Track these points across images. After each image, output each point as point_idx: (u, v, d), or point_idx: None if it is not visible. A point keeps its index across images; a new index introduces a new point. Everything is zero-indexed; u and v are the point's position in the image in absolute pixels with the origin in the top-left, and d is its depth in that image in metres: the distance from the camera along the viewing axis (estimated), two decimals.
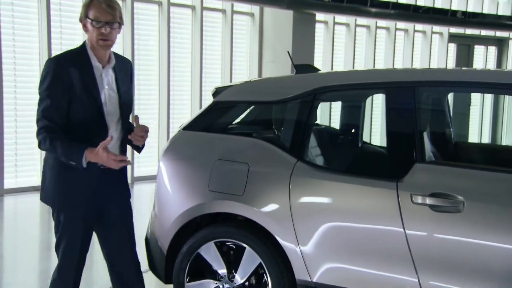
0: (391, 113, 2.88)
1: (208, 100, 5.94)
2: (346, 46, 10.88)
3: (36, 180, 6.90)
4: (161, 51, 8.29)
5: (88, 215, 2.83)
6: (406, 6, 10.70)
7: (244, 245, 3.03)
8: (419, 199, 2.65)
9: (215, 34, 9.06)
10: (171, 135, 4.02)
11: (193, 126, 3.32)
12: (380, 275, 2.75)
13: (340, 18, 10.49)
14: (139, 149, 3.03)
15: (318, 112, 3.29)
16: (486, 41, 13.80)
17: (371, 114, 3.51)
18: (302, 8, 8.91)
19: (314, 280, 2.89)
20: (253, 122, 3.45)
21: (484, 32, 13.25)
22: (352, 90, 3.12)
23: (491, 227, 2.53)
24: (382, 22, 11.23)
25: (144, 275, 4.17)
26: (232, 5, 8.98)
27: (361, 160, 3.39)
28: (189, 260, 3.15)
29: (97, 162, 2.69)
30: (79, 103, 2.68)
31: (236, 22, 9.21)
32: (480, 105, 12.25)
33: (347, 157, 3.39)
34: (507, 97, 11.40)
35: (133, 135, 2.85)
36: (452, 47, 13.05)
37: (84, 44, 2.78)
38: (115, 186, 2.93)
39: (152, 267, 3.40)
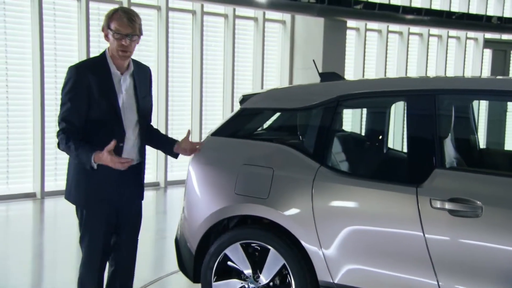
0: (412, 120, 2.95)
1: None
2: (378, 52, 10.88)
3: (28, 187, 7.11)
4: (194, 58, 8.50)
5: (108, 212, 3.01)
6: (439, 12, 10.62)
7: (269, 246, 3.13)
8: (438, 204, 2.71)
9: (247, 42, 9.23)
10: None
11: (220, 132, 3.46)
12: (400, 277, 2.81)
13: (372, 24, 10.50)
14: (176, 155, 3.24)
15: (344, 118, 3.39)
16: None
17: (394, 120, 3.56)
18: (333, 15, 8.99)
19: (336, 281, 2.97)
20: (278, 128, 3.56)
21: None
22: (374, 97, 3.20)
23: (509, 232, 2.57)
24: (415, 28, 11.18)
25: (173, 276, 4.37)
26: (264, 13, 9.13)
27: (382, 165, 3.46)
28: (216, 260, 3.28)
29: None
30: (97, 107, 2.86)
31: (267, 30, 9.37)
32: None
33: (368, 162, 3.47)
34: None
35: (187, 144, 3.11)
36: (488, 53, 12.87)
37: (104, 52, 2.96)
38: (132, 187, 3.12)
39: (182, 267, 3.54)
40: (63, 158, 7.28)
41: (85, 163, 2.82)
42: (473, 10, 12.03)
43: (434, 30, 11.55)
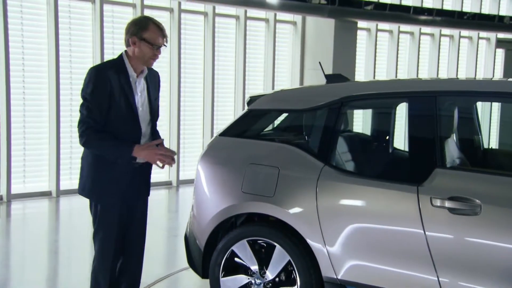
0: (413, 120, 3.04)
1: None
2: (389, 53, 10.92)
3: (44, 186, 7.30)
4: (206, 59, 8.63)
5: (121, 208, 3.15)
6: (451, 13, 10.61)
7: (275, 243, 3.23)
8: (438, 202, 2.79)
9: (259, 43, 9.33)
10: None
11: (228, 132, 3.58)
12: (401, 273, 2.90)
13: (383, 25, 10.53)
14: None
15: (351, 119, 3.48)
16: None
17: (397, 121, 3.65)
18: (343, 16, 9.05)
19: (339, 277, 3.06)
20: (285, 129, 3.66)
21: None
22: (376, 99, 3.28)
23: (507, 229, 2.65)
24: (426, 29, 11.19)
25: (184, 272, 4.49)
26: (275, 15, 9.23)
27: (385, 165, 3.54)
28: (224, 256, 3.39)
29: (135, 160, 3.06)
30: (117, 106, 3.02)
31: (278, 31, 9.46)
32: None
33: (371, 162, 3.55)
34: None
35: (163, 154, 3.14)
36: (500, 52, 12.83)
37: (121, 55, 3.11)
38: (142, 185, 3.27)
39: (191, 263, 3.65)
40: (77, 158, 7.46)
41: (121, 154, 2.99)
42: (485, 10, 12.00)
43: (446, 30, 11.54)
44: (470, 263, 2.73)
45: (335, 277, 3.08)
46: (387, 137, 3.70)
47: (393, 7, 9.63)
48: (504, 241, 2.65)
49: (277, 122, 3.68)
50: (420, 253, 2.84)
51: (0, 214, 6.48)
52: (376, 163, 3.51)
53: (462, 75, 12.08)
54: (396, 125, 3.61)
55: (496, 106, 11.00)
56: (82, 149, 3.15)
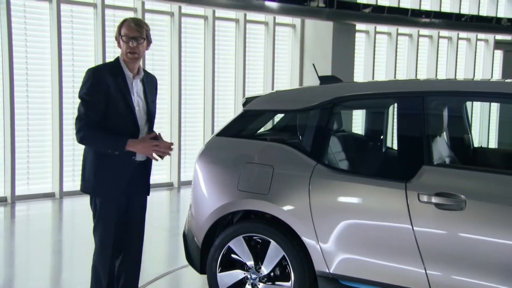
0: (402, 120, 3.15)
1: None
2: (387, 55, 11.03)
3: (48, 187, 7.44)
4: (207, 62, 8.76)
5: (119, 204, 3.27)
6: (449, 15, 10.72)
7: (269, 239, 3.35)
8: (425, 198, 2.90)
9: (258, 46, 9.46)
10: None
11: (225, 132, 3.70)
12: (390, 266, 3.01)
13: (382, 27, 10.65)
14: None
15: (344, 119, 3.60)
16: None
17: (387, 121, 3.77)
18: (342, 19, 9.17)
19: (331, 271, 3.18)
20: (280, 129, 3.78)
21: None
22: (367, 99, 3.40)
23: (490, 223, 2.76)
24: (424, 31, 11.29)
25: (184, 269, 4.60)
26: (274, 18, 9.36)
27: (374, 163, 3.66)
28: (221, 252, 3.50)
29: (134, 158, 3.19)
30: (114, 105, 3.15)
31: (278, 34, 9.59)
32: None
33: (362, 160, 3.66)
34: None
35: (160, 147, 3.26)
36: (499, 54, 12.92)
37: (118, 58, 3.26)
38: (142, 184, 3.39)
39: (189, 259, 3.77)
40: (80, 160, 7.60)
41: (116, 147, 3.11)
42: (483, 12, 12.10)
43: (444, 32, 11.64)
44: (455, 255, 2.84)
45: (328, 271, 3.19)
46: (378, 136, 3.82)
47: (391, 9, 9.75)
48: (487, 234, 2.76)
49: (272, 122, 3.80)
50: (408, 246, 2.95)
51: (5, 215, 6.61)
52: (366, 161, 3.63)
53: (460, 77, 12.17)
54: (387, 125, 3.72)
55: (495, 106, 11.10)
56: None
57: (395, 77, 10.87)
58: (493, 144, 11.44)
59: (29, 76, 7.29)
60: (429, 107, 3.13)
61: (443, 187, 2.89)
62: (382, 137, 3.79)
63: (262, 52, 9.51)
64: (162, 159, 3.34)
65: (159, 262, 5.01)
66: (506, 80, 3.15)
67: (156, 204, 7.57)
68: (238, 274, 3.47)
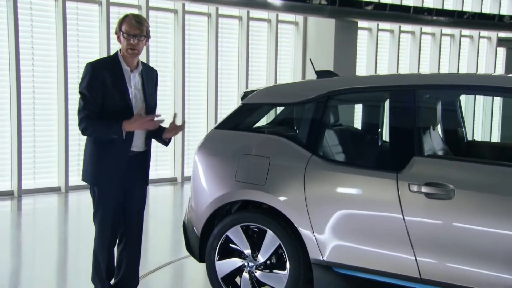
0: (394, 112, 3.26)
1: None
2: (390, 52, 11.10)
3: (54, 182, 7.60)
4: (210, 59, 8.87)
5: (117, 192, 3.40)
6: (451, 12, 10.76)
7: (266, 228, 3.46)
8: (415, 188, 3.00)
9: (261, 43, 9.56)
10: None
11: (223, 125, 3.81)
12: (381, 253, 3.11)
13: (384, 24, 10.72)
14: (166, 143, 3.59)
15: (341, 113, 3.71)
16: None
17: (381, 114, 3.87)
18: (344, 16, 9.25)
19: (325, 259, 3.29)
20: (276, 122, 3.88)
21: None
22: (360, 93, 3.50)
23: (477, 211, 2.86)
24: (427, 28, 11.35)
25: (186, 259, 4.72)
26: (277, 15, 9.45)
27: (367, 154, 3.76)
28: (219, 241, 3.61)
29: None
30: (111, 98, 3.28)
31: (281, 31, 9.68)
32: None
33: (356, 152, 3.76)
34: None
35: (171, 125, 3.44)
36: (502, 51, 12.96)
37: (116, 53, 3.38)
38: (139, 174, 3.51)
39: (189, 248, 3.89)
40: None
41: (115, 132, 3.24)
42: (486, 10, 12.14)
43: (447, 30, 11.68)
44: (444, 243, 2.94)
45: (322, 258, 3.29)
46: (372, 129, 3.92)
47: (393, 7, 9.81)
48: (475, 222, 2.86)
49: (270, 115, 3.91)
50: (399, 234, 3.05)
51: (11, 208, 6.76)
52: (360, 153, 3.73)
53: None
54: (381, 118, 3.82)
55: (498, 101, 11.14)
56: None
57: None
58: (495, 138, 11.50)
59: (35, 72, 7.43)
60: (420, 100, 3.22)
61: (433, 177, 2.98)
62: (376, 130, 3.88)
63: (265, 49, 9.61)
64: (158, 125, 3.42)
65: (162, 252, 5.15)
66: (481, 73, 3.26)
67: (160, 199, 7.71)
68: (236, 262, 3.58)
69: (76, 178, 7.72)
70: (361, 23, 10.05)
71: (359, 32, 10.03)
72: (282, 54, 9.82)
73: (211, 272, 3.65)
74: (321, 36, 9.56)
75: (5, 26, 7.11)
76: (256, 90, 3.86)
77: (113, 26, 7.77)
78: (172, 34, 8.49)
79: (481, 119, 11.73)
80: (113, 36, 7.74)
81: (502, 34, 12.62)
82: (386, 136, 3.46)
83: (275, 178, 3.42)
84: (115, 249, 3.61)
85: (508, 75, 3.22)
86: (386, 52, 11.08)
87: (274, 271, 3.46)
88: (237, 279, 3.64)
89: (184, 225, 3.98)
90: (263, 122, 3.99)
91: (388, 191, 3.09)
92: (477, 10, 11.91)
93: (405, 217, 3.03)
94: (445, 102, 3.90)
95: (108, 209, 3.39)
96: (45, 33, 7.48)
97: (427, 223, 2.99)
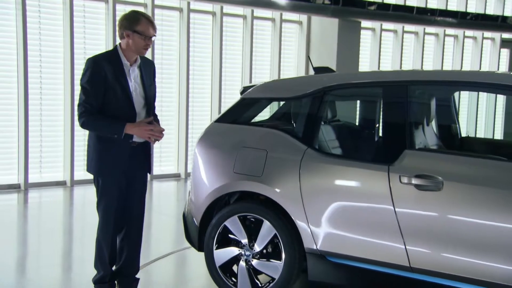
0: (387, 107, 3.37)
1: None
2: (393, 52, 11.18)
3: (59, 176, 7.76)
4: (214, 57, 9.00)
5: (120, 181, 3.53)
6: (455, 13, 10.82)
7: (262, 218, 3.58)
8: (406, 180, 3.11)
9: (265, 42, 9.68)
10: None
11: (223, 119, 3.93)
12: (373, 243, 3.23)
13: (388, 25, 10.80)
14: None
15: (339, 108, 3.83)
16: None
17: (377, 108, 3.98)
18: (347, 16, 9.35)
19: (319, 248, 3.40)
20: (274, 116, 4.00)
21: None
22: (355, 88, 3.62)
23: (465, 202, 2.97)
24: (430, 29, 11.42)
25: (187, 250, 4.85)
26: (281, 14, 9.57)
27: (361, 147, 3.88)
28: (217, 231, 3.73)
29: (130, 140, 3.42)
30: (112, 92, 3.40)
31: (285, 30, 9.80)
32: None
33: (350, 145, 3.88)
34: None
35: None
36: (505, 52, 13.00)
37: (116, 47, 3.49)
38: (141, 162, 3.63)
39: (188, 238, 4.02)
40: None
41: (115, 131, 3.36)
42: (490, 11, 12.19)
43: (450, 30, 11.74)
44: (433, 233, 3.05)
45: (316, 248, 3.41)
46: (366, 123, 4.03)
47: (396, 7, 9.90)
48: (462, 212, 2.97)
49: (267, 109, 4.02)
50: (389, 224, 3.16)
51: (18, 201, 6.92)
52: (354, 146, 3.85)
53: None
54: (376, 113, 3.93)
55: (501, 98, 11.21)
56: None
57: None
58: (498, 135, 11.58)
59: (42, 69, 7.59)
60: (413, 96, 3.33)
61: (423, 169, 3.09)
62: (369, 123, 4.00)
63: (268, 48, 9.72)
64: (153, 143, 3.54)
65: (164, 243, 5.30)
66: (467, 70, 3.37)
67: (164, 194, 7.85)
68: (233, 251, 3.70)
69: (82, 172, 7.87)
70: (364, 23, 10.14)
71: (363, 32, 10.13)
72: (286, 53, 9.93)
73: (209, 260, 3.77)
74: (325, 35, 9.67)
75: (14, 23, 7.28)
76: (255, 84, 3.98)
77: None
78: (177, 32, 8.63)
79: (484, 116, 11.80)
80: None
81: (506, 35, 12.66)
82: (379, 130, 3.57)
83: (272, 170, 3.54)
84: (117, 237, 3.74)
85: (497, 71, 3.32)
86: (389, 52, 11.16)
87: (270, 260, 3.58)
88: (235, 268, 3.75)
89: (184, 216, 4.11)
90: (265, 116, 4.12)
91: (380, 182, 3.20)
92: (481, 11, 11.97)
93: (395, 208, 3.14)
94: (439, 98, 4.01)
95: (111, 198, 3.52)
96: (53, 30, 7.63)
97: (417, 213, 3.10)
